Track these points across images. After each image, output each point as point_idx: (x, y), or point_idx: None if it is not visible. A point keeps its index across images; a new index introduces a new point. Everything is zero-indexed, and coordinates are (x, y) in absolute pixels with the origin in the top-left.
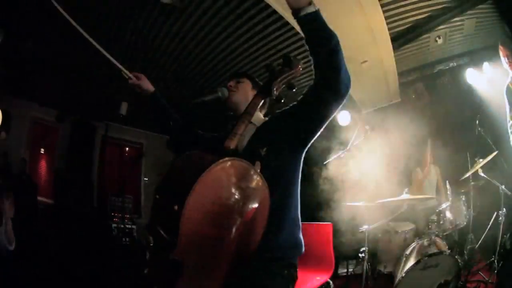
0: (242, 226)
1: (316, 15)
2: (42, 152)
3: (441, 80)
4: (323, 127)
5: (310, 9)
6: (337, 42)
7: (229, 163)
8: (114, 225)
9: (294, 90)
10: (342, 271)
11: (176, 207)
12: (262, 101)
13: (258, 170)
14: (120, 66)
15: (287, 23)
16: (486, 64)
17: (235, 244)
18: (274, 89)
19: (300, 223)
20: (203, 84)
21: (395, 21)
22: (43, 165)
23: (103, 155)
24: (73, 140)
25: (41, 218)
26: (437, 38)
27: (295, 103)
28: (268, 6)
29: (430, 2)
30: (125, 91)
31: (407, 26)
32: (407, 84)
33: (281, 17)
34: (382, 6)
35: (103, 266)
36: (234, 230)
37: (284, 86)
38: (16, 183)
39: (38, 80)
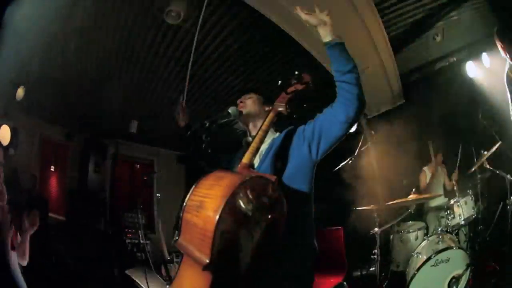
0: (264, 230)
1: (342, 46)
2: (52, 170)
3: (443, 77)
4: (336, 144)
5: (336, 40)
6: (357, 68)
7: (250, 178)
8: (128, 240)
9: (305, 105)
10: (356, 273)
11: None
12: (275, 118)
13: (276, 184)
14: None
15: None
16: (484, 55)
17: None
18: (287, 106)
19: (314, 229)
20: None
21: (393, 24)
22: (53, 182)
23: (114, 172)
24: (84, 158)
25: (52, 234)
26: (435, 36)
27: (310, 122)
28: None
29: (425, 1)
30: (135, 109)
31: (405, 28)
32: (410, 85)
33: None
34: (379, 11)
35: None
36: (257, 233)
37: (296, 101)
38: (26, 199)
39: (47, 97)
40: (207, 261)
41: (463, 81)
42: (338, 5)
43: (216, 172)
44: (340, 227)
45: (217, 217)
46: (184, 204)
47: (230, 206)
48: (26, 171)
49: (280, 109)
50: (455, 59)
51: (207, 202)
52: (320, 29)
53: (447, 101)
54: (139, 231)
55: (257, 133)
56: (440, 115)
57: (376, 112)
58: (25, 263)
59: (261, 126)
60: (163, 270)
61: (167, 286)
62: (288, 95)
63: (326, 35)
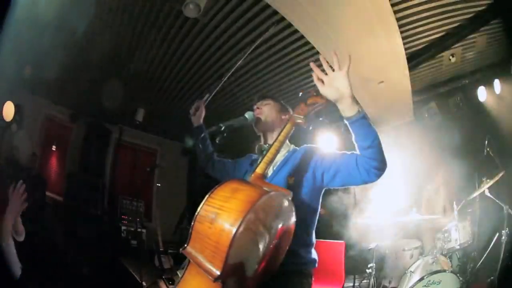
0: (273, 244)
1: (362, 120)
2: (54, 149)
3: (454, 98)
4: None
5: (357, 116)
6: (377, 139)
7: (269, 195)
8: (123, 227)
9: (321, 119)
10: (348, 284)
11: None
12: (293, 129)
13: (291, 200)
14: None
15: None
16: (497, 81)
17: (267, 258)
18: (306, 118)
19: (314, 242)
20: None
21: (412, 41)
22: (53, 161)
23: (116, 158)
24: (86, 141)
25: (49, 214)
26: (450, 57)
27: (330, 156)
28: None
29: (444, 22)
30: (143, 97)
31: (422, 45)
32: (420, 103)
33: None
34: (400, 26)
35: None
36: (267, 248)
37: (314, 115)
38: (25, 176)
39: (55, 78)
40: (219, 273)
41: (473, 104)
42: (362, 15)
43: (231, 182)
44: (342, 241)
45: (234, 233)
46: (197, 213)
47: (247, 222)
48: (27, 149)
49: (298, 121)
50: (467, 81)
51: (223, 215)
52: (339, 104)
53: (455, 122)
54: (136, 219)
55: (273, 143)
56: (447, 135)
57: (384, 126)
58: (21, 238)
59: (278, 136)
60: (156, 260)
61: None
62: (308, 107)
63: (343, 110)
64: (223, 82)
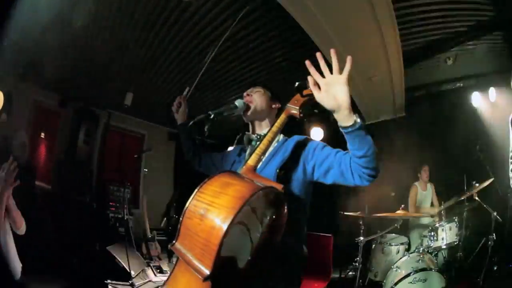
0: (263, 239)
1: (358, 131)
2: (42, 136)
3: (447, 99)
4: None
5: (354, 127)
6: (371, 148)
7: (261, 191)
8: (111, 214)
9: (315, 110)
10: (334, 275)
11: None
12: (287, 120)
13: (282, 193)
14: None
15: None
16: (492, 89)
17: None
18: (301, 109)
19: (306, 236)
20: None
21: (409, 39)
22: (42, 149)
23: (104, 143)
24: (74, 126)
25: (39, 203)
26: (447, 59)
27: (324, 146)
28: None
29: (445, 25)
30: (131, 82)
31: (420, 46)
32: (413, 100)
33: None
34: (399, 24)
35: (98, 254)
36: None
37: (309, 105)
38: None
39: (43, 63)
40: (208, 272)
41: (466, 108)
42: (360, 9)
43: (221, 176)
44: (330, 235)
45: (224, 230)
46: (185, 208)
47: (237, 219)
48: (17, 137)
49: (293, 111)
50: (461, 84)
51: (213, 211)
52: (335, 114)
53: (447, 123)
54: (124, 206)
55: (266, 134)
56: (438, 134)
57: (374, 119)
58: (21, 231)
59: (271, 127)
60: (144, 248)
61: (160, 287)
62: (303, 98)
63: (340, 120)
64: (200, 75)
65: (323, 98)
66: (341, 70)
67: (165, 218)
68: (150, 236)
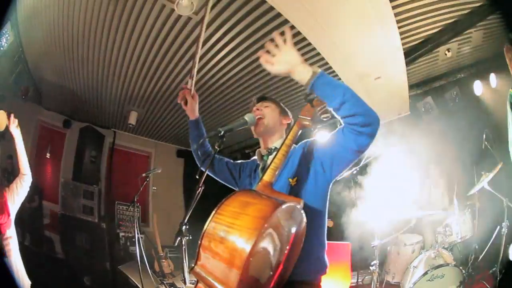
0: (286, 254)
1: (322, 78)
2: (48, 157)
3: (449, 92)
4: (349, 166)
5: (314, 77)
6: (348, 91)
7: (281, 208)
8: (121, 233)
9: (325, 120)
10: (351, 280)
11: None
12: (300, 131)
13: (302, 207)
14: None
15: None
16: (492, 75)
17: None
18: (312, 119)
19: (326, 245)
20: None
21: (408, 36)
22: (48, 169)
23: (111, 162)
24: (80, 147)
25: (46, 222)
26: (446, 52)
27: (324, 143)
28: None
29: (442, 17)
30: (134, 100)
31: (419, 40)
32: (416, 97)
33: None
34: (397, 22)
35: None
36: (280, 259)
37: (320, 115)
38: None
39: (47, 85)
40: None
41: (469, 98)
42: (359, 10)
43: (239, 195)
44: (348, 243)
45: (248, 252)
46: (204, 231)
47: (261, 240)
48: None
49: (305, 122)
50: (462, 75)
51: (234, 233)
52: (294, 75)
53: (451, 116)
54: (134, 224)
55: (280, 148)
56: (444, 129)
57: (381, 121)
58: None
59: (285, 140)
60: (156, 265)
61: None
62: (314, 108)
63: (300, 80)
64: (197, 63)
65: (276, 67)
66: (285, 42)
67: (178, 238)
68: (162, 254)
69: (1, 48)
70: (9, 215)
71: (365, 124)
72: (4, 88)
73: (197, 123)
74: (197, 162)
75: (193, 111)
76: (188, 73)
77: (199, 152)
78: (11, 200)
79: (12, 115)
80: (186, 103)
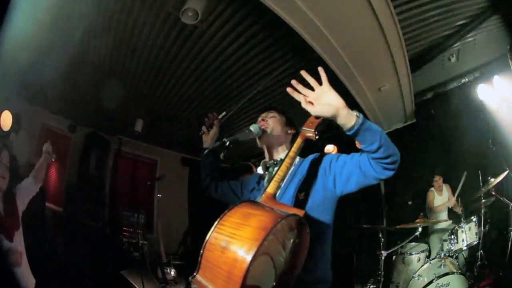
0: (287, 264)
1: (363, 126)
2: (53, 160)
3: (454, 97)
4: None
5: (357, 125)
6: (383, 135)
7: (283, 220)
8: (125, 239)
9: (330, 133)
10: None
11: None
12: (303, 143)
13: (304, 219)
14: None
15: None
16: (496, 77)
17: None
18: (316, 132)
19: (331, 258)
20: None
21: (412, 43)
22: (52, 172)
23: (116, 169)
24: (85, 152)
25: (49, 225)
26: (450, 57)
27: (339, 156)
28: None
29: (444, 22)
30: (141, 108)
31: (423, 48)
32: (422, 104)
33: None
34: (402, 28)
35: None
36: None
37: (324, 127)
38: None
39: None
40: None
41: (474, 102)
42: (363, 20)
43: (241, 207)
44: (352, 253)
45: (248, 262)
46: (206, 241)
47: (261, 251)
48: (25, 159)
49: (309, 134)
50: (466, 80)
51: (235, 244)
52: (337, 119)
53: (457, 121)
54: (138, 231)
55: (283, 160)
56: (450, 135)
57: (386, 129)
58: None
59: (288, 152)
60: (159, 272)
61: None
62: (317, 119)
63: (344, 124)
64: (242, 103)
65: (320, 110)
66: (321, 83)
67: (182, 246)
68: (165, 261)
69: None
70: (18, 218)
71: (394, 162)
72: (10, 90)
73: (215, 152)
74: (204, 186)
75: (212, 139)
76: (195, 81)
77: (208, 179)
78: (22, 202)
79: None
80: (208, 132)
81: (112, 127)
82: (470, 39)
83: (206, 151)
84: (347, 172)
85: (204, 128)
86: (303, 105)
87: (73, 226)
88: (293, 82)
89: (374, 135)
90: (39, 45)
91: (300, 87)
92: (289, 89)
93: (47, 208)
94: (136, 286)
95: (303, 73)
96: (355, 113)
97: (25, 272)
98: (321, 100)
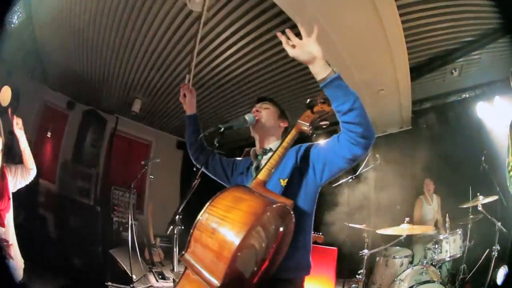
0: (272, 251)
1: (337, 81)
2: (49, 136)
3: (453, 111)
4: (340, 174)
5: (330, 77)
6: (358, 100)
7: (272, 207)
8: (115, 218)
9: (324, 127)
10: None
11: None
12: (297, 136)
13: (291, 208)
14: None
15: None
16: (497, 98)
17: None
18: (311, 125)
19: (311, 247)
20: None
21: (415, 52)
22: (48, 148)
23: (111, 147)
24: (82, 129)
25: (40, 201)
26: (453, 71)
27: (316, 145)
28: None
29: (451, 36)
30: (140, 88)
31: (426, 58)
32: (419, 113)
33: None
34: (406, 37)
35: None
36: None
37: (318, 122)
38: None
39: (54, 65)
40: (219, 284)
41: (472, 118)
42: (367, 23)
43: (233, 190)
44: (335, 248)
45: (237, 245)
46: (196, 221)
47: (250, 235)
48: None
49: (304, 128)
50: (467, 95)
51: (225, 226)
52: (311, 66)
53: (453, 134)
54: (128, 210)
55: (276, 149)
56: (444, 146)
57: (381, 133)
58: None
59: (282, 143)
60: (146, 253)
61: None
62: (313, 114)
63: (317, 73)
64: (195, 57)
65: (297, 53)
66: (309, 34)
67: (171, 227)
68: (153, 242)
69: (12, 26)
70: (9, 199)
71: (363, 136)
72: (11, 65)
73: (194, 118)
74: (191, 157)
75: (191, 106)
76: (195, 66)
77: (193, 147)
78: (12, 184)
79: (15, 117)
80: (184, 100)
81: (110, 106)
82: (475, 56)
83: (186, 117)
84: (323, 158)
85: (181, 98)
86: (284, 45)
87: (65, 202)
88: (287, 30)
89: (348, 95)
90: (42, 23)
91: (291, 34)
92: (278, 33)
93: (40, 185)
94: (123, 265)
95: (299, 25)
96: (332, 67)
97: (15, 263)
98: (303, 47)
